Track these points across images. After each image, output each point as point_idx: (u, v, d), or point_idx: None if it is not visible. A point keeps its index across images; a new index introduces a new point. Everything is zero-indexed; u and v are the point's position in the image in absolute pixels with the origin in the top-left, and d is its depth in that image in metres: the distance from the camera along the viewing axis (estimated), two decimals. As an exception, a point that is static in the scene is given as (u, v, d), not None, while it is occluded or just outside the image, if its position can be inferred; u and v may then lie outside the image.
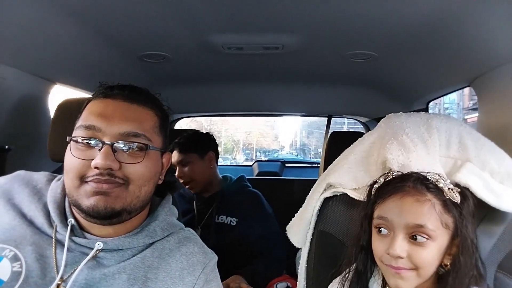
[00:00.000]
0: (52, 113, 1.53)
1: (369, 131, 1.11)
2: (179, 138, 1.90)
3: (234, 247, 1.77)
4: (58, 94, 1.61)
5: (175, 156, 1.86)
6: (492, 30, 1.08)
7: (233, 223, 1.83)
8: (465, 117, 15.71)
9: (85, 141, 0.79)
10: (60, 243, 0.81)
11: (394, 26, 1.21)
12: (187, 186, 1.88)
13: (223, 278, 1.03)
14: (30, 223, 0.82)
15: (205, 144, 1.95)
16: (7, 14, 1.04)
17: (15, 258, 0.77)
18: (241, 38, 1.39)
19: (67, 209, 0.84)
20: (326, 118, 2.53)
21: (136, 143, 0.81)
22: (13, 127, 1.35)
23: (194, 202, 1.92)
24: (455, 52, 1.28)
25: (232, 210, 1.86)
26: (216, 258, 0.93)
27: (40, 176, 0.92)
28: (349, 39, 1.37)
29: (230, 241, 1.78)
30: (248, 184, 2.02)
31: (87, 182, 0.78)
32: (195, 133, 1.97)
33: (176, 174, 1.84)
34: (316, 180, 1.19)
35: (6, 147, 1.29)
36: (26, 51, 1.26)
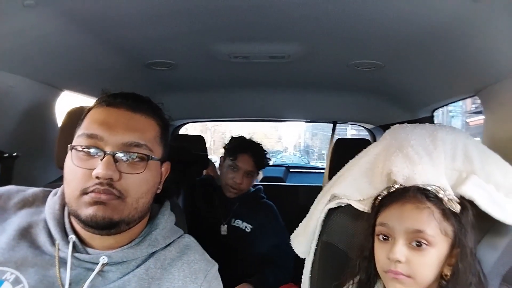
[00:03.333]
0: (59, 120, 1.57)
1: (374, 143, 1.12)
2: (256, 149, 1.92)
3: (245, 253, 1.79)
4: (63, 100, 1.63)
5: (248, 164, 1.87)
6: (500, 41, 1.08)
7: (247, 229, 1.85)
8: (467, 120, 15.62)
9: (86, 149, 0.79)
10: (63, 261, 0.80)
11: (399, 35, 1.22)
12: (230, 190, 1.89)
13: (231, 284, 1.04)
14: (31, 243, 0.81)
15: (266, 163, 2.01)
16: (15, 24, 1.05)
17: (16, 281, 0.76)
18: (247, 47, 1.40)
19: (67, 225, 0.84)
20: (327, 123, 2.54)
21: (138, 154, 0.81)
22: (21, 134, 1.37)
23: (215, 195, 1.93)
24: (461, 62, 1.28)
25: (248, 216, 1.88)
26: (217, 266, 0.93)
27: (35, 192, 0.92)
28: (354, 48, 1.38)
29: (242, 246, 1.80)
30: (264, 195, 2.03)
31: (87, 193, 0.77)
32: (264, 149, 2.00)
33: (237, 179, 1.85)
34: (320, 186, 1.20)
35: (14, 154, 1.30)
36: (34, 59, 1.27)
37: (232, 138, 2.00)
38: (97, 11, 1.09)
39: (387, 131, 1.11)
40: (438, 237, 0.80)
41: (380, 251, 0.85)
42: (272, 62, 1.52)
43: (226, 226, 1.85)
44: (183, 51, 1.45)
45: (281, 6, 1.07)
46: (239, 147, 1.90)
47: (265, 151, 1.98)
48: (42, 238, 0.82)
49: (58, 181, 1.45)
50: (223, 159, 1.95)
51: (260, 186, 2.08)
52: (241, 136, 2.00)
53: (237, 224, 1.86)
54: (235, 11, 1.10)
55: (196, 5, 1.06)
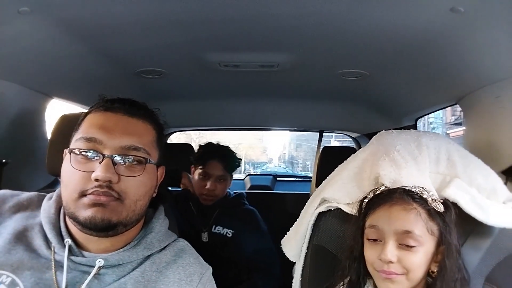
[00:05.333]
0: (47, 127, 1.56)
1: (362, 148, 1.15)
2: (224, 153, 1.89)
3: (230, 260, 1.77)
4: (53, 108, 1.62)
5: (218, 169, 1.84)
6: (478, 51, 1.14)
7: (229, 234, 1.84)
8: (448, 132, 15.97)
9: (85, 153, 0.80)
10: (59, 264, 0.80)
11: (384, 46, 1.26)
12: (206, 198, 1.86)
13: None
14: (27, 246, 0.81)
15: (237, 165, 1.97)
16: (8, 31, 1.06)
17: (12, 284, 0.76)
18: (237, 56, 1.43)
19: (63, 229, 0.84)
20: (315, 132, 2.58)
21: (136, 157, 0.82)
22: (10, 141, 1.36)
23: (192, 206, 1.90)
24: (442, 71, 1.33)
25: (229, 222, 1.86)
26: (211, 269, 0.94)
27: (30, 196, 0.92)
28: (341, 58, 1.42)
29: (225, 252, 1.79)
30: (246, 202, 2.02)
31: (85, 195, 0.78)
32: (233, 151, 1.95)
33: (209, 186, 1.82)
34: (307, 194, 1.22)
35: (4, 160, 1.30)
36: (26, 66, 1.27)
37: (200, 146, 1.97)
38: (90, 20, 1.10)
39: (374, 136, 1.14)
40: (425, 236, 0.83)
41: (370, 252, 0.87)
42: (262, 71, 1.55)
43: (206, 233, 1.84)
44: (173, 60, 1.47)
45: (271, 17, 1.10)
46: (206, 154, 1.88)
47: (234, 153, 1.96)
48: (37, 242, 0.82)
49: (47, 188, 1.44)
50: (193, 169, 1.92)
51: (243, 192, 2.07)
52: (208, 142, 1.97)
53: (218, 230, 1.85)
54: (225, 21, 1.13)
55: (187, 15, 1.09)
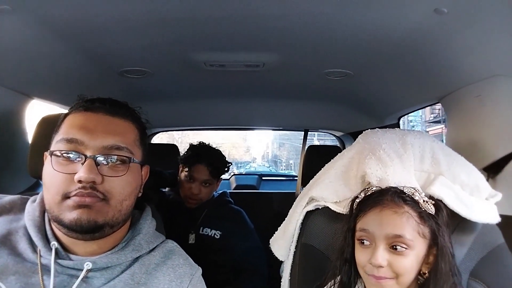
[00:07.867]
0: (28, 128, 1.52)
1: (348, 147, 1.16)
2: (211, 158, 1.85)
3: (218, 261, 1.77)
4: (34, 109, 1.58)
5: (203, 174, 1.81)
6: (460, 51, 1.16)
7: (217, 236, 1.82)
8: (427, 129, 16.33)
9: (66, 155, 0.78)
10: (45, 268, 0.78)
11: (368, 46, 1.28)
12: (190, 201, 1.85)
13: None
14: (11, 250, 0.79)
15: (226, 170, 1.95)
16: None
17: None
18: (223, 56, 1.42)
19: (49, 232, 0.82)
20: (298, 131, 2.60)
21: (119, 156, 0.81)
22: None
23: (179, 206, 1.89)
24: (425, 71, 1.36)
25: (216, 223, 1.85)
26: (200, 270, 0.93)
27: (13, 199, 0.90)
28: (325, 58, 1.43)
29: (213, 254, 1.77)
30: (231, 200, 2.01)
31: (69, 197, 0.76)
32: (222, 156, 1.93)
33: (193, 190, 1.81)
34: (293, 193, 1.23)
35: (-18, 163, 1.26)
36: (5, 65, 1.24)
37: (190, 146, 1.93)
38: (73, 19, 1.08)
39: (360, 135, 1.15)
40: (416, 240, 0.82)
41: (361, 255, 0.87)
42: (247, 70, 1.55)
43: (194, 235, 1.82)
44: (157, 59, 1.46)
45: (257, 17, 1.10)
46: (193, 157, 1.85)
47: (223, 157, 1.94)
48: (22, 245, 0.80)
49: (28, 191, 1.41)
50: (181, 168, 1.90)
51: (225, 190, 2.07)
52: (199, 143, 1.95)
53: (206, 232, 1.84)
54: (211, 20, 1.12)
55: (172, 14, 1.08)
